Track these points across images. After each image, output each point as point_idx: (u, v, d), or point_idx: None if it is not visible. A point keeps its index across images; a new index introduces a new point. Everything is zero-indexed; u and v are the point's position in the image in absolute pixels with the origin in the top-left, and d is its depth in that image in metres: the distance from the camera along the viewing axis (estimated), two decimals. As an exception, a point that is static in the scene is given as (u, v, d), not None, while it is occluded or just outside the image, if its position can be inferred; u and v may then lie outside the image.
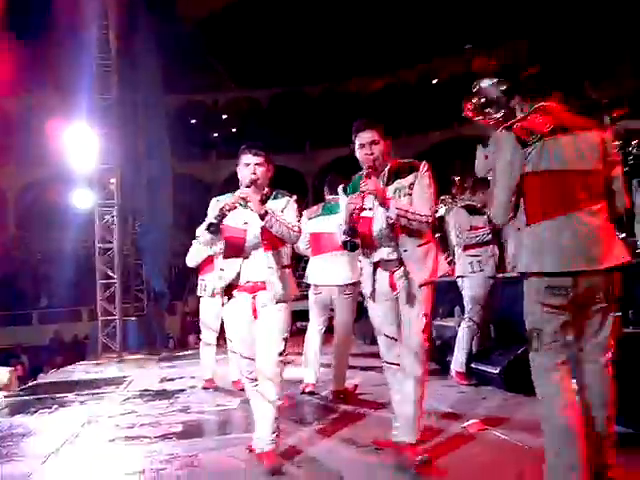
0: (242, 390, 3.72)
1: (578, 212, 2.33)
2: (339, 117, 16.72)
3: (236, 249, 3.20)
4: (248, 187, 3.13)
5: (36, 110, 11.30)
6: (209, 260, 5.66)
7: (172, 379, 6.75)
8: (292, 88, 17.41)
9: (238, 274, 3.18)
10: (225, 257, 3.25)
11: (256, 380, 3.19)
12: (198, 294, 5.95)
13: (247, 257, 3.18)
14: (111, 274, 11.07)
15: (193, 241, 5.74)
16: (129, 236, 12.70)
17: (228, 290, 3.23)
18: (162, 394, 5.74)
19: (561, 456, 2.25)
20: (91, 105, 10.20)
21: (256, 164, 3.18)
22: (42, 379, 8.29)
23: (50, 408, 5.23)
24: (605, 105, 5.58)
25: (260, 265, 3.17)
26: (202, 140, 16.89)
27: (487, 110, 4.13)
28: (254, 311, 3.18)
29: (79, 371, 8.23)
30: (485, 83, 4.39)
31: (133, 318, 11.95)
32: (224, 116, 19.16)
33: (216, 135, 18.03)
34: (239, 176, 3.27)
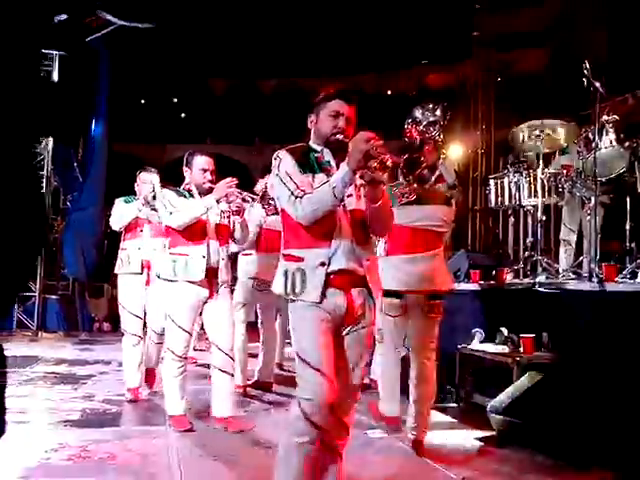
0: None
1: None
2: (291, 114, 16.62)
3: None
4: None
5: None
6: (134, 224, 4.56)
7: (84, 363, 6.48)
8: (247, 80, 17.16)
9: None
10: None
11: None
12: (117, 270, 4.61)
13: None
14: (35, 249, 10.56)
15: (117, 200, 4.67)
16: (60, 212, 12.15)
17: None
18: (68, 378, 5.48)
19: None
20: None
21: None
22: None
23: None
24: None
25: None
26: (149, 121, 16.39)
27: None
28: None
29: (-15, 347, 7.77)
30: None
31: (54, 296, 11.39)
32: (175, 100, 18.63)
33: (165, 118, 17.56)
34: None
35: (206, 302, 3.68)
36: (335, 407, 2.13)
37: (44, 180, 10.33)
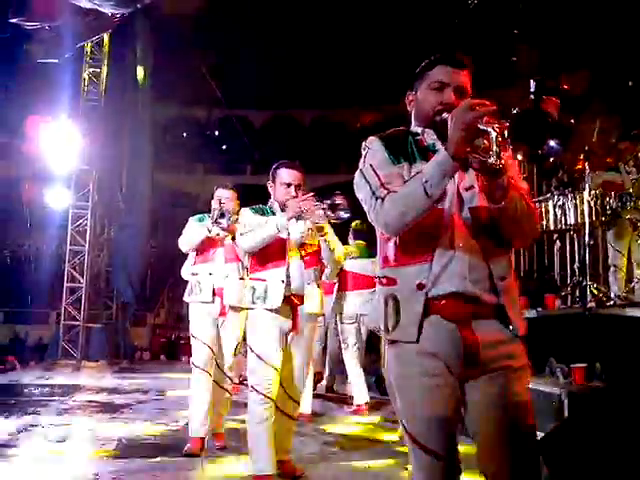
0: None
1: None
2: (329, 145, 16.75)
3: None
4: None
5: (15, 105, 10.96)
6: (207, 246, 3.99)
7: (122, 392, 6.49)
8: (284, 112, 17.42)
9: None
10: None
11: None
12: (186, 298, 4.05)
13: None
14: (79, 278, 10.78)
15: (190, 218, 4.13)
16: (104, 242, 12.43)
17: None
18: (107, 407, 5.48)
19: None
20: (76, 105, 10.06)
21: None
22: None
23: (-15, 412, 4.95)
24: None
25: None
26: (190, 154, 16.76)
27: None
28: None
29: (30, 375, 7.90)
30: None
31: (98, 325, 11.57)
32: (216, 132, 19.03)
33: (206, 150, 17.94)
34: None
35: (288, 334, 3.15)
36: None
37: (89, 211, 10.59)
